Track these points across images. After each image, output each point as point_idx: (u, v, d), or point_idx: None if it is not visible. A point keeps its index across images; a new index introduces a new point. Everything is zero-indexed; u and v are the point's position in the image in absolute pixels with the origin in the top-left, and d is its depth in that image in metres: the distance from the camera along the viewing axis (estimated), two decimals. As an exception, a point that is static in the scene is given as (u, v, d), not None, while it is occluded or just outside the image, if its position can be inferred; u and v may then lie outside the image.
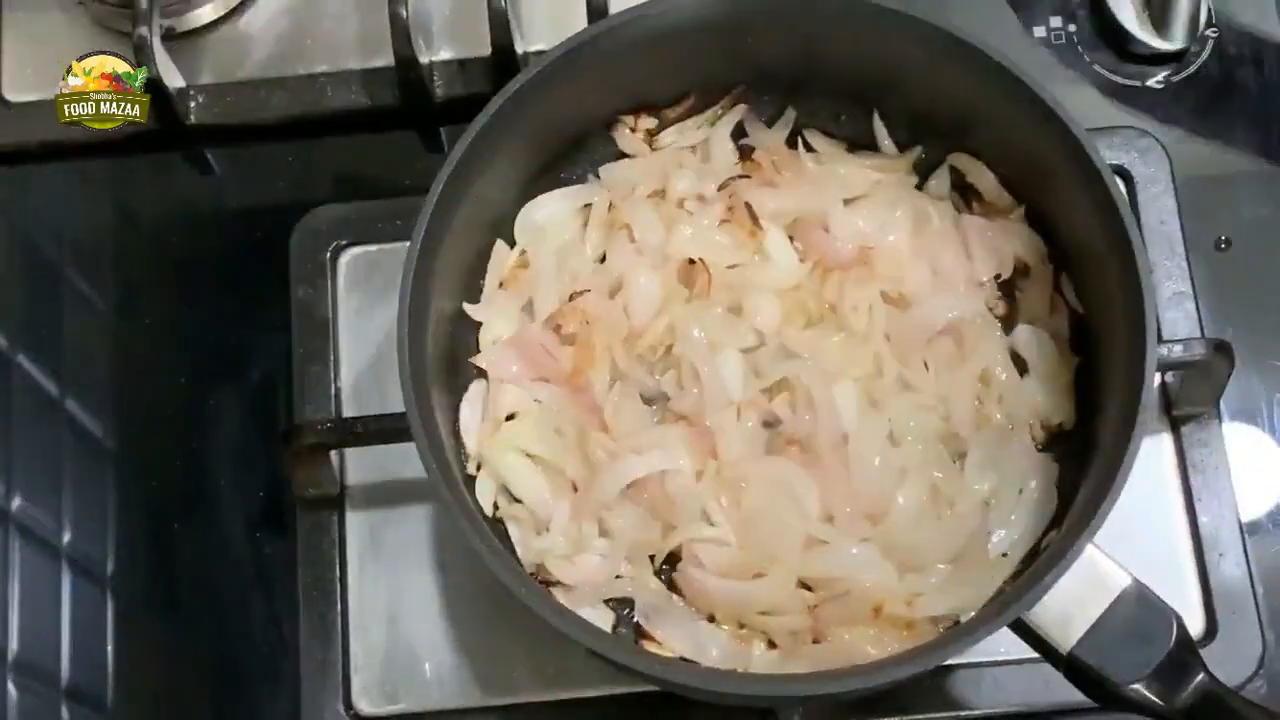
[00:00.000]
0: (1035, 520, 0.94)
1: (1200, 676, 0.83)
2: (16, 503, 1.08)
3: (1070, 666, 0.84)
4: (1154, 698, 0.83)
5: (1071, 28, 1.16)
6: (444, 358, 0.97)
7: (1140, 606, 0.84)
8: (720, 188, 1.02)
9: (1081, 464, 0.93)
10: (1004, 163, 1.01)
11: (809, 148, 1.05)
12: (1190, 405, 1.03)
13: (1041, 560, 0.89)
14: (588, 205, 1.03)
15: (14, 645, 1.05)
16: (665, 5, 0.98)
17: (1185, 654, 0.84)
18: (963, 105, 0.99)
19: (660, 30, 0.99)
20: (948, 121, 1.01)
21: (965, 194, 1.03)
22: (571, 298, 1.00)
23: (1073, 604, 0.84)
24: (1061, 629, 0.84)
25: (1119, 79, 1.15)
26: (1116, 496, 0.84)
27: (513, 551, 0.95)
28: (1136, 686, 0.83)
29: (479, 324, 1.01)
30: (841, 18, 0.98)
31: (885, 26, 0.97)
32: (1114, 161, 1.07)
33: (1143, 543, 0.97)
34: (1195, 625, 0.99)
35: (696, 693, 0.88)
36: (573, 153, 1.05)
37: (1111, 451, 0.86)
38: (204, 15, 1.18)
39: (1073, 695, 0.87)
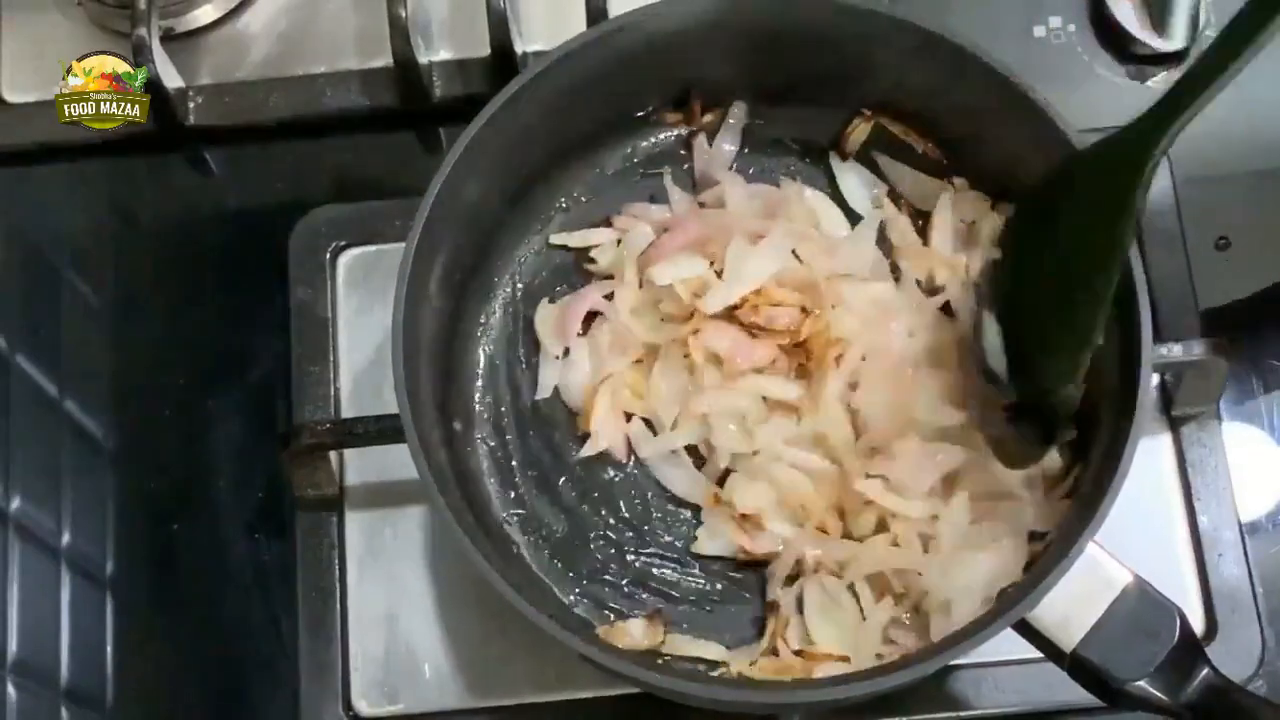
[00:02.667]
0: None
1: (1205, 671, 0.83)
2: (16, 503, 1.08)
3: (1074, 665, 0.84)
4: (1159, 694, 0.83)
5: (1071, 28, 1.15)
6: (439, 360, 0.98)
7: (1143, 603, 0.84)
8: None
9: (1081, 463, 0.93)
10: (1003, 164, 1.01)
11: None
12: (1190, 405, 1.03)
13: (1043, 560, 0.89)
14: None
15: (13, 646, 1.05)
16: (667, 8, 0.98)
17: (1189, 650, 0.84)
18: (960, 109, 0.99)
19: (662, 33, 0.99)
20: (948, 125, 1.01)
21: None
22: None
23: (1075, 603, 0.84)
24: (1064, 628, 0.84)
25: (1119, 79, 1.15)
26: (1116, 495, 0.84)
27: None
28: (1141, 683, 0.83)
29: (476, 325, 1.02)
30: (840, 22, 0.98)
31: (878, 29, 0.97)
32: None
33: (1142, 543, 0.96)
34: (1195, 625, 0.97)
35: (695, 700, 0.88)
36: (578, 152, 1.05)
37: (1110, 450, 0.86)
38: (203, 16, 1.18)
39: (1075, 695, 0.87)
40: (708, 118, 1.06)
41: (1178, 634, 0.84)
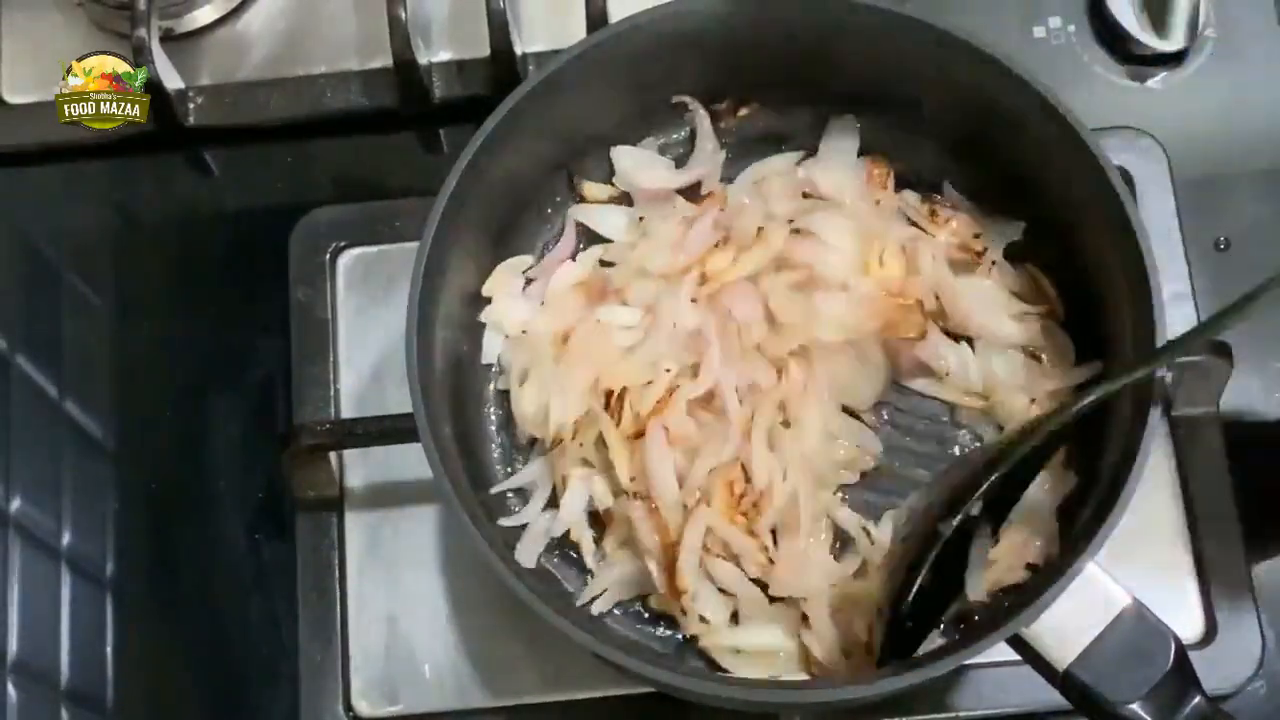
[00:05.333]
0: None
1: (1197, 699, 0.82)
2: (16, 504, 1.08)
3: (1066, 684, 0.84)
4: (1150, 719, 0.82)
5: (1071, 28, 1.15)
6: (450, 358, 0.98)
7: (1139, 626, 0.83)
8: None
9: (1086, 479, 0.94)
10: (1011, 165, 1.01)
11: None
12: (1190, 405, 1.03)
13: (1042, 577, 0.89)
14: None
15: (14, 646, 1.05)
16: (684, 6, 0.98)
17: (1183, 676, 0.83)
18: (969, 111, 0.99)
19: (677, 32, 0.99)
20: (956, 126, 1.01)
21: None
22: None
23: (1071, 622, 0.83)
24: (1059, 646, 0.83)
25: (1119, 79, 1.15)
26: (1119, 519, 0.84)
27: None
28: (1133, 706, 0.82)
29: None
30: (850, 24, 0.98)
31: (888, 29, 0.97)
32: (1114, 162, 1.07)
33: (1142, 543, 0.97)
34: (1194, 626, 0.99)
35: (698, 697, 0.88)
36: (589, 150, 1.05)
37: (1114, 474, 0.86)
38: (203, 17, 1.18)
39: (1074, 697, 0.87)
40: (743, 112, 1.06)
41: (1172, 659, 0.83)
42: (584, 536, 0.97)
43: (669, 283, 1.00)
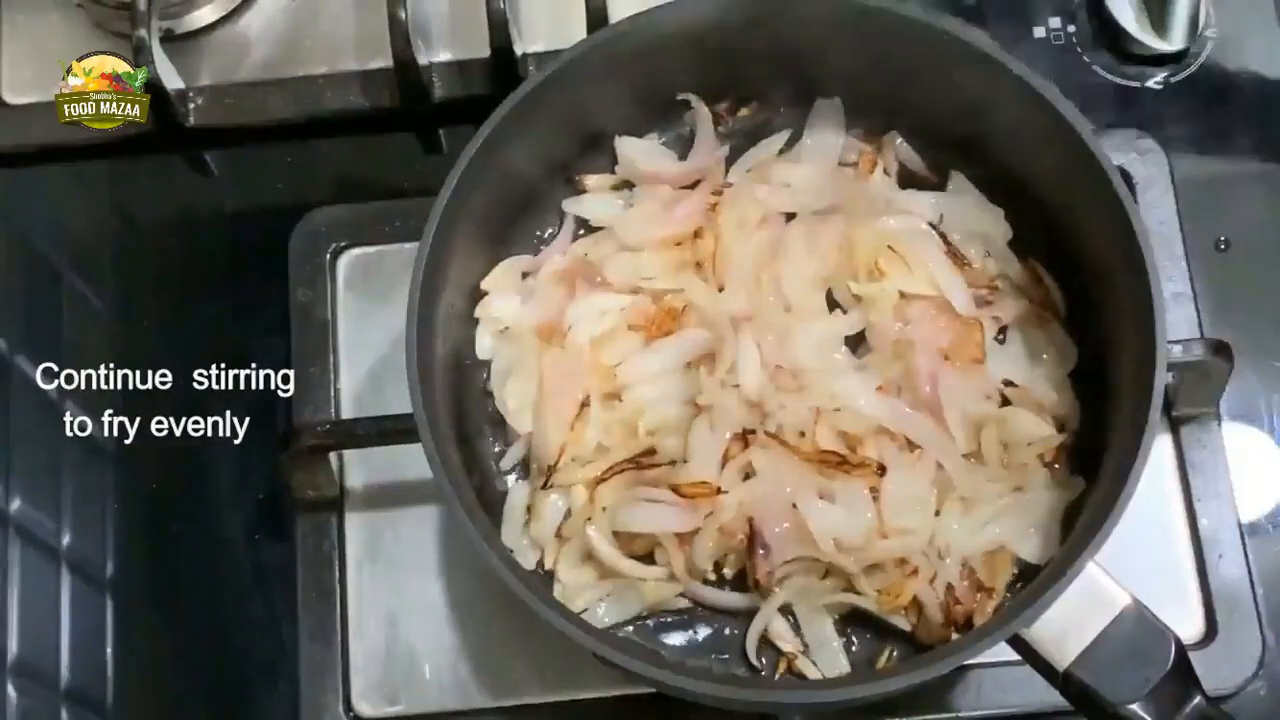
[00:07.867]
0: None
1: (1197, 699, 0.83)
2: (16, 503, 1.08)
3: (1067, 684, 0.84)
4: (1150, 719, 0.82)
5: (1071, 28, 1.15)
6: (450, 358, 0.98)
7: (1139, 627, 0.84)
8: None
9: (1085, 479, 0.94)
10: (1010, 165, 1.01)
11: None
12: (1190, 406, 1.03)
13: (1042, 576, 0.89)
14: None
15: (13, 647, 1.05)
16: (684, 6, 0.98)
17: (1183, 676, 0.83)
18: (969, 111, 0.99)
19: (677, 32, 0.99)
20: (956, 126, 1.01)
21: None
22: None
23: (1071, 621, 0.83)
24: (1059, 646, 0.83)
25: (1119, 80, 1.15)
26: (1118, 518, 0.84)
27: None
28: (1133, 707, 0.82)
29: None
30: (849, 24, 0.98)
31: (888, 30, 0.97)
32: (1114, 162, 1.07)
33: (1142, 544, 0.97)
34: (1195, 626, 0.99)
35: (698, 697, 0.88)
36: (589, 150, 1.05)
37: (1114, 474, 0.86)
38: (203, 17, 1.18)
39: (1074, 698, 0.87)
40: (743, 112, 1.06)
41: (1172, 659, 0.83)
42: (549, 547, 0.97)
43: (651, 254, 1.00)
